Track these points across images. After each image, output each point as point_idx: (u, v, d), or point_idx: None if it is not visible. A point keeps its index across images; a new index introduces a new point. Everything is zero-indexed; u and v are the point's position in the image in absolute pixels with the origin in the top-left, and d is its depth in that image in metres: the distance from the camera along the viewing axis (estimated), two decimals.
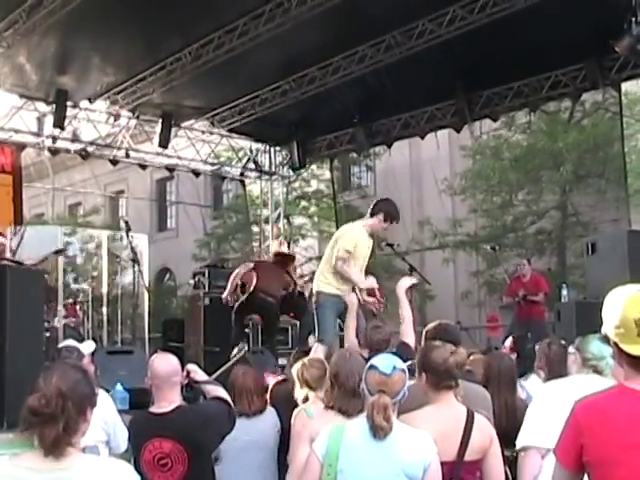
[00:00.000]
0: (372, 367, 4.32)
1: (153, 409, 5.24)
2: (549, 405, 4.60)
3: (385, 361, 4.35)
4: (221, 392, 5.55)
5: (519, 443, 4.67)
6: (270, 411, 6.54)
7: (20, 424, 3.21)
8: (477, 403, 4.93)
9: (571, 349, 5.17)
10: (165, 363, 5.26)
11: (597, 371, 4.86)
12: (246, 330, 12.43)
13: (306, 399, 6.12)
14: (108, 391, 7.32)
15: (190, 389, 5.62)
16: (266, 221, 20.46)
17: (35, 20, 11.95)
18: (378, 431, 4.12)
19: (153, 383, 5.22)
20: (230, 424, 5.40)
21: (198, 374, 5.50)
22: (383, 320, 7.44)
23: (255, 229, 24.76)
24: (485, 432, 4.71)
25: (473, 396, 5.06)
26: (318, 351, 7.36)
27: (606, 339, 3.15)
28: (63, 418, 3.13)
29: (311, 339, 10.15)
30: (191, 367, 5.54)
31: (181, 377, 5.31)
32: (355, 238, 9.37)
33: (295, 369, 6.27)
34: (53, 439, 3.11)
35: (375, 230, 9.46)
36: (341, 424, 4.36)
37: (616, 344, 3.07)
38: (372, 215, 9.43)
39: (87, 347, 6.38)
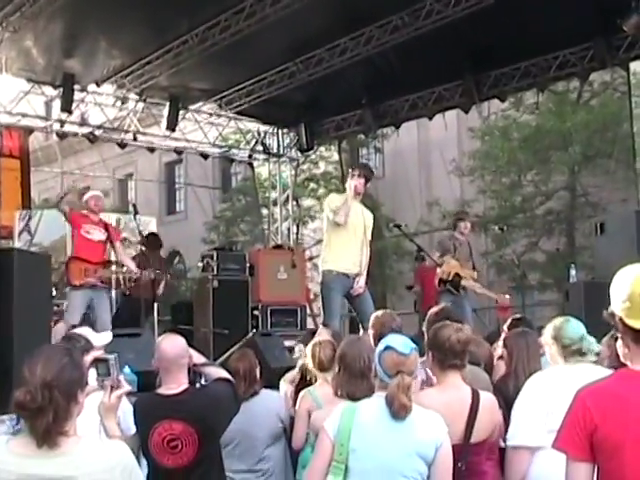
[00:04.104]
0: (389, 347, 4.29)
1: (161, 391, 5.19)
2: (537, 400, 4.56)
3: (401, 341, 4.33)
4: (222, 372, 5.52)
5: (510, 440, 4.61)
6: (265, 397, 6.47)
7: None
8: (477, 385, 4.90)
9: (548, 339, 5.02)
10: (173, 345, 5.20)
11: (581, 354, 4.77)
12: None
13: (308, 381, 6.12)
14: None
15: (191, 372, 5.58)
16: (275, 203, 20.42)
17: (41, 3, 11.90)
18: (401, 411, 4.09)
19: (161, 365, 5.17)
20: (236, 406, 5.36)
21: (195, 357, 5.44)
22: None
23: (264, 211, 24.75)
24: (492, 411, 4.71)
25: (474, 378, 5.04)
26: (322, 334, 7.31)
27: (610, 318, 3.13)
28: (51, 408, 3.10)
29: None
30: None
31: (189, 359, 5.28)
32: (335, 198, 9.32)
33: (310, 348, 6.26)
34: (44, 430, 3.10)
35: (355, 190, 9.27)
36: (353, 404, 4.34)
37: (621, 320, 3.06)
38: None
39: (102, 338, 6.16)
